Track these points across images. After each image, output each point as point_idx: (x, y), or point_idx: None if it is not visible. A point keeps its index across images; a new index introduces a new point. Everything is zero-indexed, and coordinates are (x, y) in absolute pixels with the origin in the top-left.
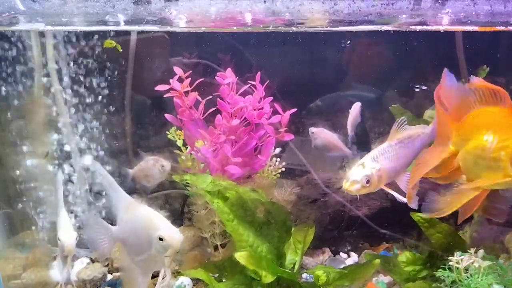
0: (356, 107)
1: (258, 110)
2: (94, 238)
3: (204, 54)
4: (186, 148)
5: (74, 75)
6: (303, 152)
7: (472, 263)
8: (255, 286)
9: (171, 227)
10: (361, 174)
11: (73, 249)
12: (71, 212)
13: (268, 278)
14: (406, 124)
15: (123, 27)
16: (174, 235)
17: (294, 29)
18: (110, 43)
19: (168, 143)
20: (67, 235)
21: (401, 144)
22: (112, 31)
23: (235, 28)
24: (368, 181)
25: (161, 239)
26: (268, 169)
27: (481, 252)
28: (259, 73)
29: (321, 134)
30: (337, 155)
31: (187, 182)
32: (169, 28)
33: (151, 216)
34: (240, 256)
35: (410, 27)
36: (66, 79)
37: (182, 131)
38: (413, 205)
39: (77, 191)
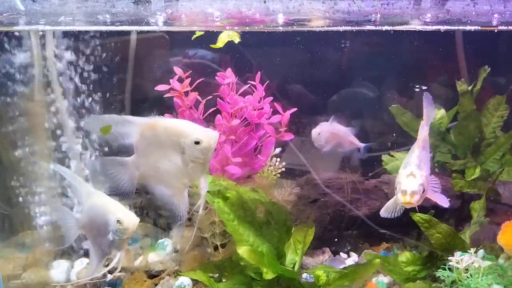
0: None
1: (258, 110)
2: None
3: (204, 54)
4: None
5: (73, 75)
6: (303, 152)
7: (472, 263)
8: (255, 286)
9: (203, 128)
10: (417, 184)
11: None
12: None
13: (269, 274)
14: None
15: (123, 27)
16: (210, 134)
17: (294, 29)
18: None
19: None
20: (129, 216)
21: (424, 148)
22: (112, 31)
23: (229, 28)
24: (423, 190)
25: (197, 142)
26: (268, 169)
27: (481, 252)
28: (259, 73)
29: (329, 130)
30: (350, 149)
31: None
32: (169, 28)
33: (176, 123)
34: (243, 251)
35: (410, 27)
36: (65, 78)
37: None
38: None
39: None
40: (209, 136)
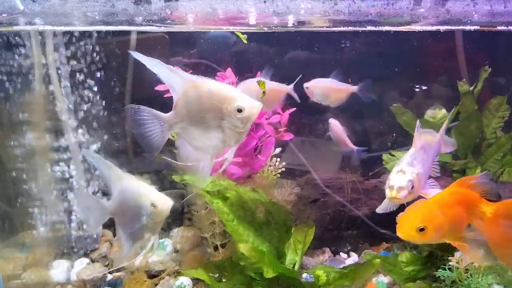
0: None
1: None
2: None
3: (204, 54)
4: None
5: (73, 75)
6: (303, 151)
7: (472, 263)
8: (255, 286)
9: (248, 96)
10: (405, 179)
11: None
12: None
13: (269, 273)
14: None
15: (123, 27)
16: (254, 104)
17: (293, 29)
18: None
19: (168, 143)
20: (163, 199)
21: (423, 149)
22: (112, 31)
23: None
24: (412, 187)
25: (239, 110)
26: (268, 169)
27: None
28: (259, 72)
29: (334, 127)
30: (345, 150)
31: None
32: (169, 28)
33: (221, 87)
34: (244, 248)
35: (410, 27)
36: (65, 78)
37: None
38: None
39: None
40: (252, 105)
